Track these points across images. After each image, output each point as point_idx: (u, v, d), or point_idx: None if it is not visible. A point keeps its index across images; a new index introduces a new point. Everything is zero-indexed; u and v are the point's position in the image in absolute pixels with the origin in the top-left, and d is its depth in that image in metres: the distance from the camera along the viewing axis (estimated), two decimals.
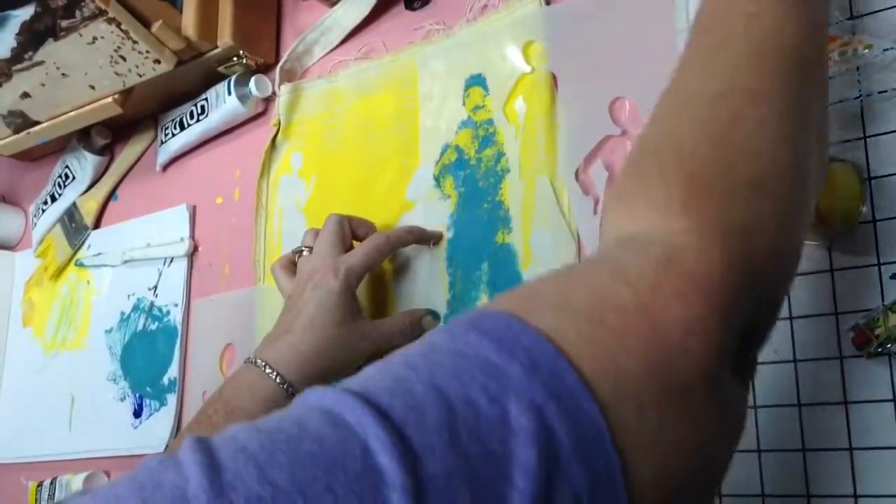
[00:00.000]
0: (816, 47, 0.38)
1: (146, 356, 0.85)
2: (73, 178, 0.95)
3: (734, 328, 0.30)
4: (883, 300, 0.47)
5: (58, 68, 0.79)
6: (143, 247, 0.88)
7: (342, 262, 0.60)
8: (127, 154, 0.95)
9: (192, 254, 0.85)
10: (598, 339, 0.28)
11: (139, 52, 0.76)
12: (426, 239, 0.66)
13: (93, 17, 0.73)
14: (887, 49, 0.49)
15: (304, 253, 0.64)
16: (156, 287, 0.86)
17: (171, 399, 0.80)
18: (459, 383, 0.27)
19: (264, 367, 0.58)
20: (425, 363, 0.28)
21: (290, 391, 0.57)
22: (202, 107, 0.84)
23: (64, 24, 0.74)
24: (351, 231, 0.65)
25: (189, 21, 0.77)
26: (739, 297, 0.30)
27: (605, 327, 0.28)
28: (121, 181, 0.95)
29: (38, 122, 0.88)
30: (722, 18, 0.37)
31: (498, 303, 0.31)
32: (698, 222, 0.30)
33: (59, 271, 0.97)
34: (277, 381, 0.57)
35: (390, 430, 0.25)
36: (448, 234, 0.66)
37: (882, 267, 0.47)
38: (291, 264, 0.66)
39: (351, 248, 0.64)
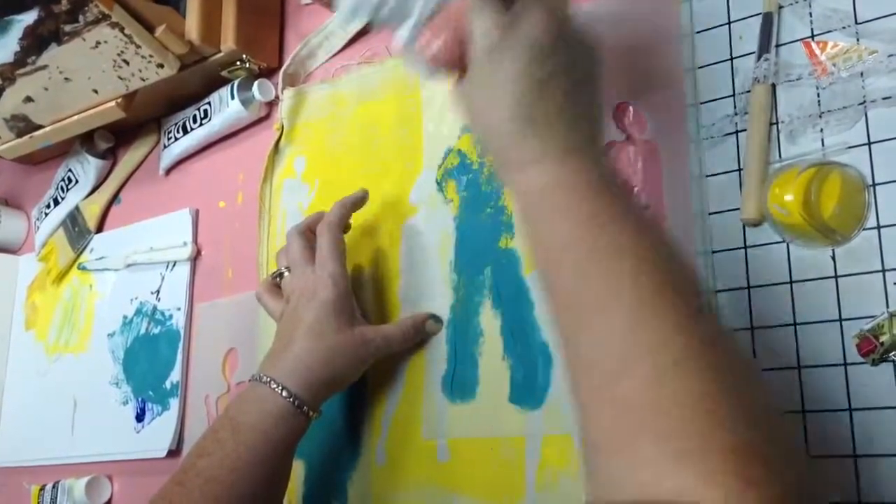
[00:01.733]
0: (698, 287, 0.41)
1: (149, 360, 0.85)
2: (76, 181, 0.95)
3: None
4: (888, 307, 0.47)
5: (61, 72, 0.80)
6: (145, 251, 0.88)
7: (321, 272, 0.61)
8: (130, 158, 0.95)
9: (195, 258, 0.85)
10: None
11: (142, 57, 0.76)
12: (359, 203, 0.67)
13: (96, 22, 0.73)
14: (891, 55, 0.49)
15: (285, 274, 0.65)
16: (158, 291, 0.86)
17: (174, 403, 0.80)
18: None
19: (269, 382, 0.58)
20: None
21: (296, 403, 0.57)
22: (205, 111, 0.84)
23: (67, 28, 0.74)
24: (312, 232, 0.66)
25: (192, 25, 0.77)
26: None
27: None
28: (124, 185, 0.95)
29: (41, 126, 0.89)
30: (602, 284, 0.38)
31: None
32: (760, 490, 0.31)
33: (62, 275, 0.97)
34: (284, 395, 0.57)
35: None
36: (451, 239, 0.66)
37: (886, 273, 0.47)
38: (275, 287, 0.66)
39: None
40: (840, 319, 0.48)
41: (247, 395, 0.59)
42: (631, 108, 0.59)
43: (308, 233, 0.65)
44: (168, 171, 0.90)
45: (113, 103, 0.82)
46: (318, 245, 0.63)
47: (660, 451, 0.33)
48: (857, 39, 0.51)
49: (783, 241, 0.51)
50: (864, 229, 0.48)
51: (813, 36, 0.52)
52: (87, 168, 0.94)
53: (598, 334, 0.37)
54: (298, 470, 0.69)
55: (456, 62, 0.45)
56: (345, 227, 0.66)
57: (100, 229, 0.95)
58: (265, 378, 0.58)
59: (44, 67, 0.79)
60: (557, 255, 0.40)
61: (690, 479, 0.32)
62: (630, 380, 0.35)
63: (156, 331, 0.85)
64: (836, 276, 0.49)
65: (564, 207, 0.40)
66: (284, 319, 0.62)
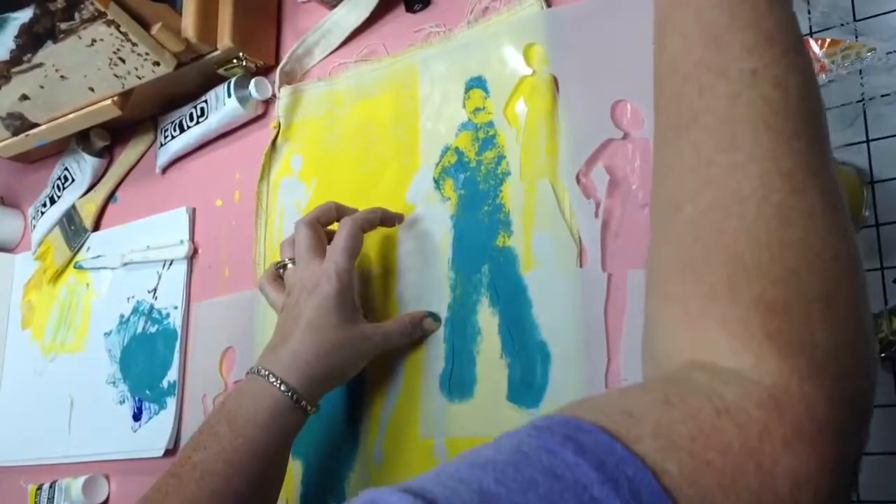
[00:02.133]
0: (818, 97, 0.35)
1: (146, 359, 0.85)
2: (73, 180, 0.95)
3: (844, 474, 0.28)
4: (886, 304, 0.46)
5: (57, 70, 0.79)
6: (142, 249, 0.88)
7: (329, 264, 0.60)
8: (126, 156, 0.94)
9: (192, 256, 0.85)
10: (703, 482, 0.27)
11: (138, 55, 0.76)
12: (390, 219, 0.66)
13: (92, 20, 0.72)
14: (890, 52, 0.49)
15: (289, 266, 0.64)
16: (155, 290, 0.86)
17: (171, 402, 0.80)
18: None
19: (268, 375, 0.57)
20: (516, 479, 0.27)
21: (294, 397, 0.57)
22: (202, 109, 0.83)
23: (63, 26, 0.74)
24: (322, 226, 0.65)
25: (189, 23, 0.76)
26: (848, 441, 0.28)
27: (710, 469, 0.27)
28: (120, 183, 0.95)
29: (36, 125, 0.88)
30: (710, 79, 0.35)
31: (588, 412, 0.29)
32: (791, 359, 0.28)
33: (58, 274, 0.96)
34: (282, 389, 0.57)
35: None
36: (448, 237, 0.65)
37: (885, 271, 0.47)
38: (278, 278, 0.66)
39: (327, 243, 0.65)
40: None
41: (244, 388, 0.59)
42: (628, 106, 0.59)
43: (316, 224, 0.65)
44: (165, 170, 0.90)
45: (109, 101, 0.82)
46: (335, 236, 0.62)
47: (688, 291, 0.31)
48: (856, 37, 0.51)
49: None
50: (862, 227, 0.48)
51: (812, 33, 0.52)
52: (83, 166, 0.94)
53: (669, 157, 0.36)
54: (296, 469, 0.69)
55: None
56: (365, 231, 0.64)
57: (96, 228, 0.95)
58: (263, 371, 0.58)
59: (39, 65, 0.79)
60: (659, 68, 0.39)
61: (711, 326, 0.30)
62: (690, 207, 0.33)
63: (153, 329, 0.85)
64: None
65: (679, 20, 0.38)
66: (285, 312, 0.62)
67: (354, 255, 0.62)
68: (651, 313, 0.33)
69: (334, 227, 0.67)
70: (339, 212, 0.66)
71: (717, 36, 0.35)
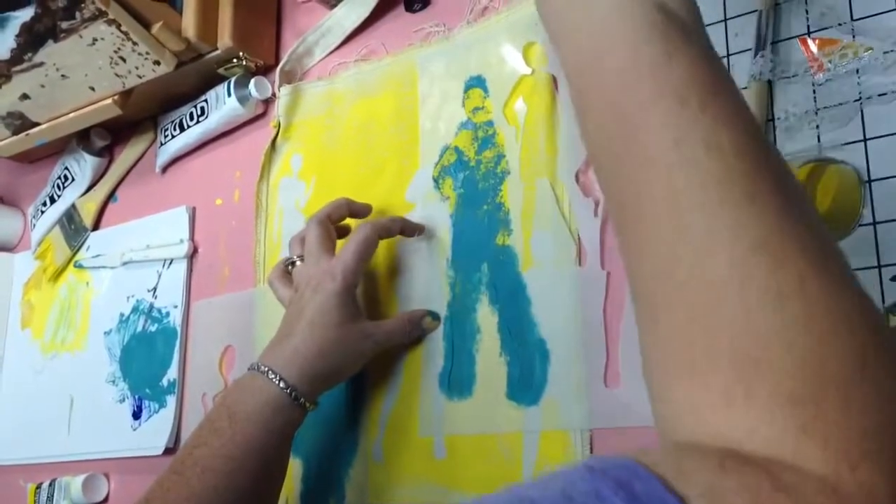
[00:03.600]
0: (760, 138, 0.31)
1: (145, 358, 0.85)
2: (73, 179, 0.95)
3: None
4: (883, 302, 0.47)
5: (57, 70, 0.79)
6: (142, 248, 0.88)
7: (337, 263, 0.60)
8: (126, 155, 0.95)
9: (192, 255, 0.85)
10: None
11: (139, 54, 0.76)
12: (410, 229, 0.66)
13: (93, 19, 0.73)
14: (887, 52, 0.49)
15: (297, 262, 0.65)
16: (155, 289, 0.86)
17: (171, 401, 0.80)
18: None
19: (267, 372, 0.58)
20: None
21: (293, 395, 0.57)
22: (202, 108, 0.84)
23: (64, 25, 0.74)
24: (333, 223, 0.65)
25: (189, 22, 0.77)
26: None
27: None
28: (120, 183, 0.95)
29: (37, 124, 0.88)
30: (633, 167, 0.31)
31: (645, 457, 0.27)
32: (833, 447, 0.26)
33: (58, 273, 0.96)
34: (281, 385, 0.57)
35: None
36: (448, 236, 0.66)
37: (882, 269, 0.47)
38: (287, 274, 0.66)
39: (337, 239, 0.65)
40: None
41: (244, 384, 0.59)
42: None
43: (327, 222, 0.65)
44: (165, 169, 0.90)
45: (109, 100, 0.82)
46: (350, 236, 0.62)
47: (710, 382, 0.28)
48: (853, 36, 0.51)
49: None
50: (859, 225, 0.48)
51: (809, 33, 0.53)
52: (83, 166, 0.94)
53: (631, 249, 0.32)
54: (296, 467, 0.69)
55: None
56: (381, 238, 0.64)
57: (96, 227, 0.95)
58: (263, 367, 0.58)
59: (40, 64, 0.79)
60: (590, 157, 0.36)
61: (742, 422, 0.27)
62: (666, 317, 0.30)
63: (152, 328, 0.85)
64: None
65: (591, 108, 0.36)
66: (290, 308, 0.62)
67: (365, 258, 0.61)
68: (663, 392, 0.30)
69: (346, 222, 0.67)
70: (350, 208, 0.66)
71: (625, 114, 0.32)
